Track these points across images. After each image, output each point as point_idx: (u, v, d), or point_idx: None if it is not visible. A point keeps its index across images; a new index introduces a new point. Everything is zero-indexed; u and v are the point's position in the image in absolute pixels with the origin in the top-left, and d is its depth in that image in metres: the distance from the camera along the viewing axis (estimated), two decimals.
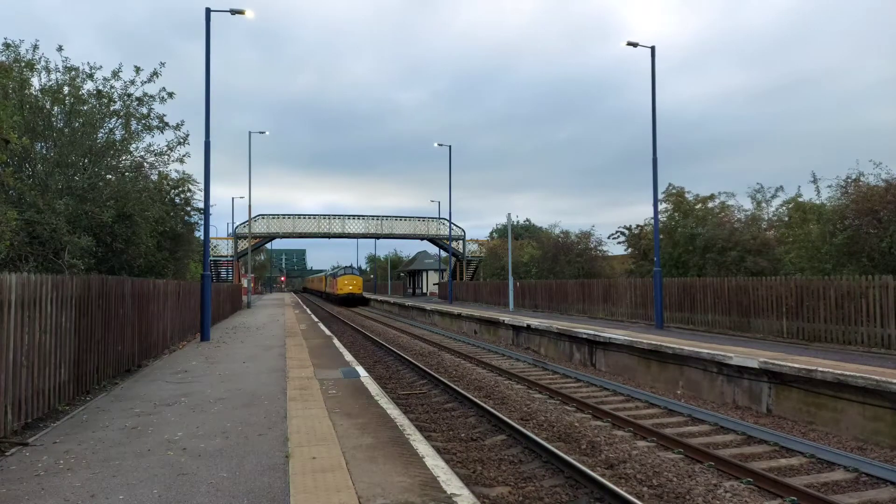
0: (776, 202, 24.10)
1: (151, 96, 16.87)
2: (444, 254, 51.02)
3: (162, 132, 17.37)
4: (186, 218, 22.24)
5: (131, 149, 17.52)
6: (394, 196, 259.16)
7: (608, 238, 34.63)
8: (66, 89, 15.50)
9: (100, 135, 16.25)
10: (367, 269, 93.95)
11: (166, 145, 17.86)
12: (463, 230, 48.93)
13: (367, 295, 61.52)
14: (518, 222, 62.23)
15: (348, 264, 68.53)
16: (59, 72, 15.63)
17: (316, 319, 26.03)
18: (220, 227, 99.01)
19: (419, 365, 15.33)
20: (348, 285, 56.73)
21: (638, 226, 28.06)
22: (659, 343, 13.28)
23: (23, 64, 14.79)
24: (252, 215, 41.94)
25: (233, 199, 62.63)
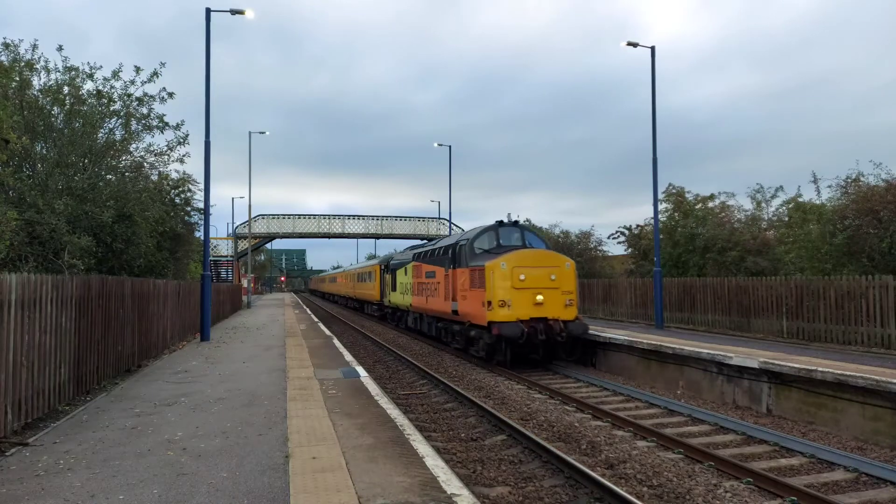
0: (776, 202, 24.17)
1: (151, 96, 16.87)
2: None
3: (162, 132, 17.38)
4: (186, 218, 22.24)
5: (131, 149, 17.54)
6: (403, 196, 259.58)
7: (608, 238, 34.58)
8: (65, 89, 15.51)
9: (100, 135, 16.25)
10: None
11: (166, 145, 17.88)
12: (462, 229, 48.95)
13: None
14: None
15: (507, 219, 17.43)
16: (58, 72, 15.63)
17: (316, 319, 26.03)
18: (220, 228, 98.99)
19: (419, 365, 15.32)
20: (536, 292, 14.54)
21: (638, 226, 28.08)
22: (659, 343, 13.28)
23: (22, 64, 14.79)
24: (252, 215, 41.95)
25: (233, 199, 62.67)
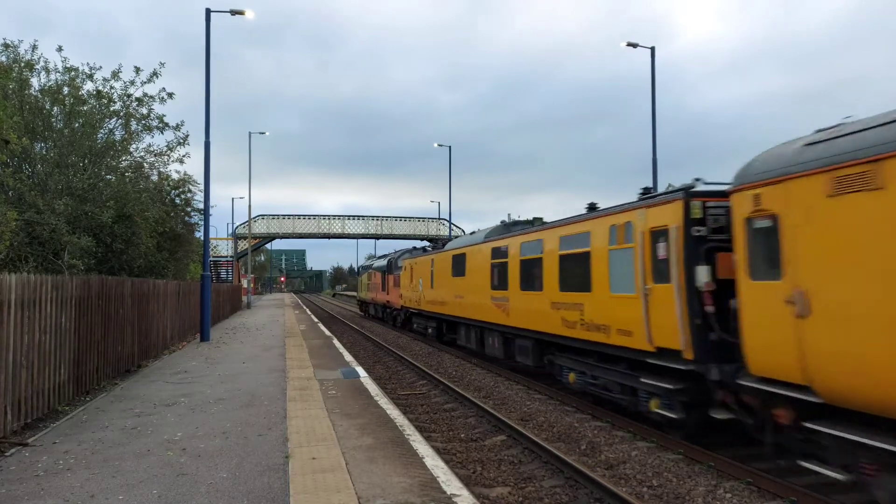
0: None
1: (151, 97, 16.88)
2: None
3: (162, 132, 17.40)
4: (186, 218, 22.25)
5: (131, 149, 17.55)
6: (418, 197, 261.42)
7: None
8: (65, 90, 15.51)
9: (99, 135, 16.26)
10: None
11: (166, 146, 17.89)
12: (463, 231, 48.94)
13: None
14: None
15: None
16: (58, 72, 15.64)
17: (315, 320, 26.04)
18: (220, 228, 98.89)
19: (419, 365, 15.32)
20: None
21: None
22: None
23: (22, 64, 14.80)
24: (253, 215, 41.97)
25: (233, 199, 62.90)
